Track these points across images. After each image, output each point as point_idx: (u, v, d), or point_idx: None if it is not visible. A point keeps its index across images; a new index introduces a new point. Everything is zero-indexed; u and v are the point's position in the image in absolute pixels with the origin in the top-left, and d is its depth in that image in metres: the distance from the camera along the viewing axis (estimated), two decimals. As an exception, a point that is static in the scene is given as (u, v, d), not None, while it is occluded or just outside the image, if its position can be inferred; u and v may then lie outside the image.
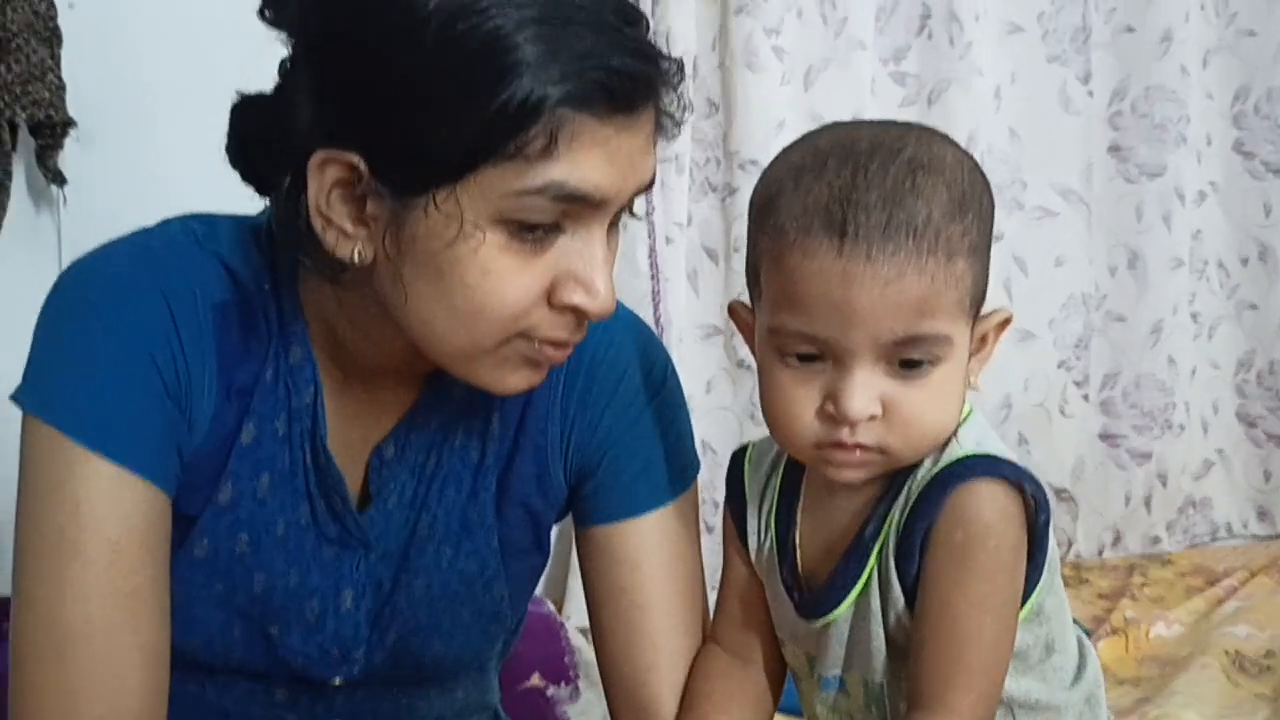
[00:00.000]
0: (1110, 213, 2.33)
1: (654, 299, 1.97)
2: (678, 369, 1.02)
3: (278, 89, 0.83)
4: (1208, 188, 2.38)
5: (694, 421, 1.10)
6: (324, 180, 0.79)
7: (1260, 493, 2.45)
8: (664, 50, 0.81)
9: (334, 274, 0.83)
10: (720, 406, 2.12)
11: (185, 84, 1.65)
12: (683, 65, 0.82)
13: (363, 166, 0.78)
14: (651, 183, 0.83)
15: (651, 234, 1.97)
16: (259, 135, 0.83)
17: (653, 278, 1.98)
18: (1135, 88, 2.31)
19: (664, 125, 0.83)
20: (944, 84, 2.15)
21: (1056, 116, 2.27)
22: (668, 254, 2.01)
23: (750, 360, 0.83)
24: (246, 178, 0.86)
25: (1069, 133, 2.28)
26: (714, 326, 2.11)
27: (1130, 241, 2.34)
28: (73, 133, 1.65)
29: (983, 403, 2.23)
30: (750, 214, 0.83)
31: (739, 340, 2.07)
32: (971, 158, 0.81)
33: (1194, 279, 2.38)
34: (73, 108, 1.63)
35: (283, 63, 0.83)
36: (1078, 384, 2.33)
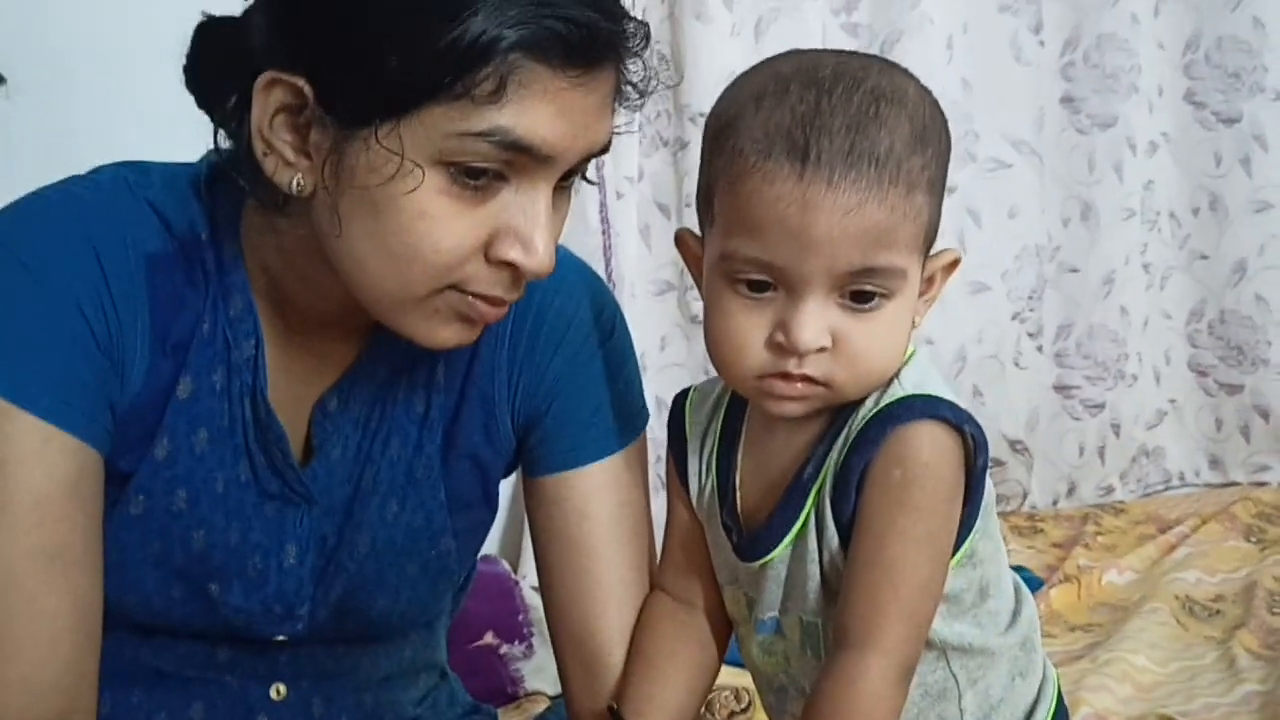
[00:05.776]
0: (1062, 163, 2.32)
1: (605, 255, 1.95)
2: (630, 326, 1.01)
3: (244, 12, 0.81)
4: (1159, 138, 2.38)
5: (647, 379, 1.09)
6: (269, 102, 0.78)
7: (1212, 441, 2.47)
8: (630, 12, 0.79)
9: (272, 204, 0.81)
10: (673, 363, 2.10)
11: (115, 37, 1.60)
12: (648, 31, 0.81)
13: (308, 91, 0.77)
14: (606, 148, 0.82)
15: (602, 189, 1.95)
16: (215, 54, 0.82)
17: (604, 233, 1.95)
18: (1087, 37, 2.30)
19: (626, 93, 0.81)
20: (896, 34, 2.14)
21: (1008, 67, 2.25)
22: (618, 209, 1.98)
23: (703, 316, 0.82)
24: (201, 102, 0.84)
25: (1021, 83, 2.27)
26: (667, 282, 2.09)
27: (1082, 192, 2.34)
28: (0, 89, 1.60)
29: (937, 355, 2.23)
30: (705, 136, 0.81)
31: (692, 295, 2.05)
32: (931, 94, 0.80)
33: (1146, 229, 2.38)
34: None
35: None
36: (1031, 335, 2.33)
